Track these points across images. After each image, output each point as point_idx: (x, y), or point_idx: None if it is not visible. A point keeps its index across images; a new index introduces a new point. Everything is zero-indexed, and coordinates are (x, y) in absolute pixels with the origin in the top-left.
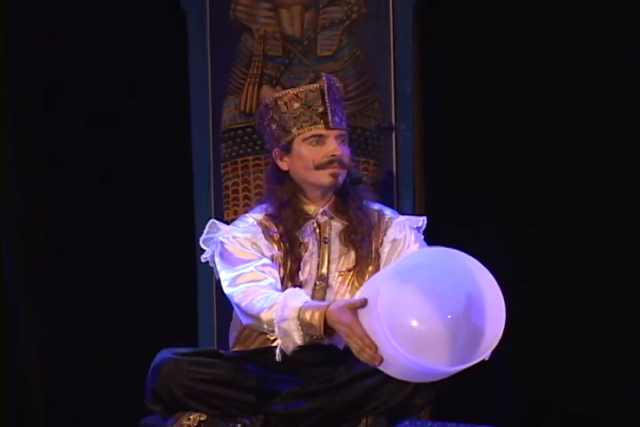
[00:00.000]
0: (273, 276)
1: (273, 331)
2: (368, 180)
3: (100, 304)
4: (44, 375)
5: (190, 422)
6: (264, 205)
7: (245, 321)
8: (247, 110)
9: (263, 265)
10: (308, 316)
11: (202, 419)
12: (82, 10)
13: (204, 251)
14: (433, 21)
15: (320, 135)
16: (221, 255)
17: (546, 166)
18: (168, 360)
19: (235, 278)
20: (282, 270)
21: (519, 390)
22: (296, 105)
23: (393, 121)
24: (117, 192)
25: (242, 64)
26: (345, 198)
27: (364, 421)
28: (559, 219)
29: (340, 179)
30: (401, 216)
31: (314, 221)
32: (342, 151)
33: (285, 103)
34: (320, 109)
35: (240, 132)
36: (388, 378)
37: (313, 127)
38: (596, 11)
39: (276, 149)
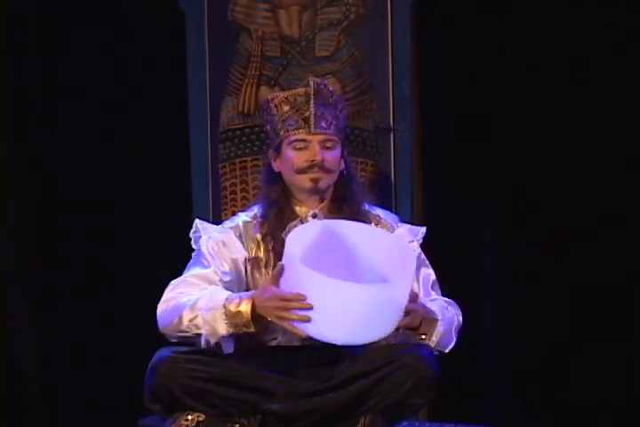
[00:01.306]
0: (213, 283)
1: (193, 328)
2: (366, 180)
3: (98, 304)
4: (44, 375)
5: (189, 423)
6: (257, 205)
7: (163, 323)
8: (245, 111)
9: (208, 273)
10: (233, 305)
11: (200, 419)
12: (80, 10)
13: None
14: (431, 21)
15: (303, 140)
16: (193, 257)
17: (545, 166)
18: (166, 359)
19: (183, 280)
20: (264, 270)
21: (517, 391)
22: (286, 108)
23: (391, 121)
24: (115, 193)
25: (240, 65)
26: (340, 203)
27: (362, 420)
28: (560, 219)
29: (323, 184)
30: (402, 226)
31: (302, 222)
32: (325, 156)
33: (276, 106)
34: (306, 114)
35: (238, 132)
36: (385, 377)
37: (296, 131)
38: (594, 10)
39: (270, 150)
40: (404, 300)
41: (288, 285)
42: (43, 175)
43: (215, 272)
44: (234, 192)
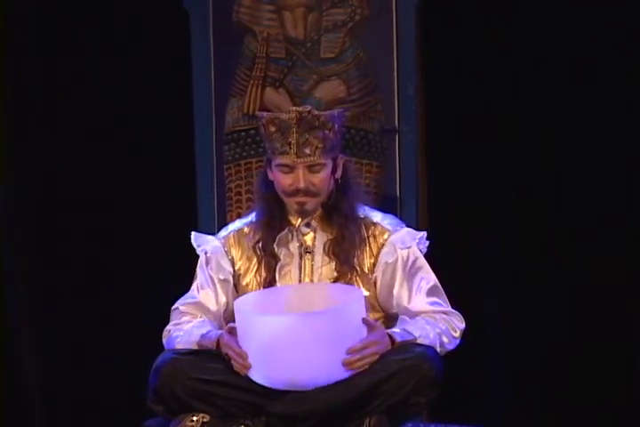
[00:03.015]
0: (205, 310)
1: None
2: (371, 182)
3: (98, 304)
4: (44, 375)
5: (194, 424)
6: (255, 211)
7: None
8: (250, 112)
9: (200, 302)
10: (204, 343)
11: (205, 420)
12: (82, 10)
13: None
14: (436, 22)
15: (288, 165)
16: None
17: (550, 167)
18: (169, 360)
19: (175, 309)
20: (254, 280)
21: (519, 391)
22: (272, 129)
23: (396, 123)
24: (117, 193)
25: (245, 66)
26: (330, 214)
27: (366, 421)
28: (563, 218)
29: (309, 206)
30: (399, 231)
31: (295, 231)
32: (310, 181)
33: (264, 125)
34: (289, 139)
35: (243, 134)
36: (389, 377)
37: (281, 157)
38: (597, 9)
39: (266, 158)
40: (336, 333)
41: (239, 337)
42: (43, 175)
43: (207, 299)
44: (239, 193)
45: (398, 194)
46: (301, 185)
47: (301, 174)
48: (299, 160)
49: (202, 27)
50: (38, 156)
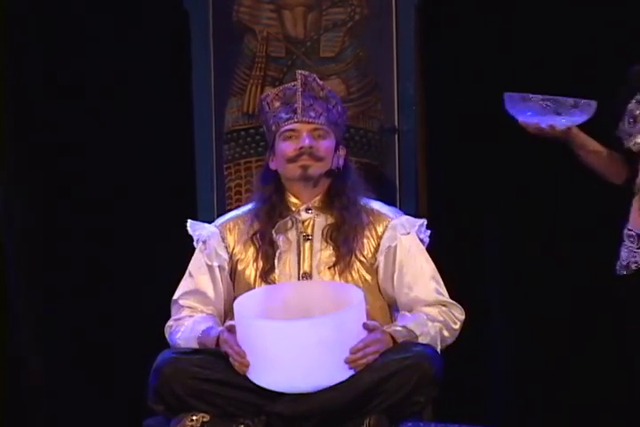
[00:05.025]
0: (205, 299)
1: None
2: (371, 181)
3: (98, 304)
4: (44, 375)
5: (193, 423)
6: (252, 203)
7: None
8: (250, 111)
9: (199, 291)
10: (204, 339)
11: (205, 420)
12: (82, 10)
13: None
14: (436, 22)
15: (293, 130)
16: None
17: (550, 167)
18: (169, 360)
19: (175, 302)
20: (252, 268)
21: (519, 391)
22: (277, 104)
23: (395, 122)
24: (120, 193)
25: (245, 65)
26: (332, 197)
27: (366, 421)
28: (562, 218)
29: (312, 171)
30: (400, 217)
31: (295, 217)
32: (313, 144)
33: (268, 103)
34: (295, 105)
35: (243, 133)
36: (389, 376)
37: (286, 122)
38: (597, 9)
39: (268, 151)
40: (337, 337)
41: (238, 336)
42: (43, 175)
43: (204, 285)
44: (239, 193)
45: (398, 193)
46: (305, 142)
47: (306, 135)
48: (303, 119)
49: (202, 26)
50: (38, 156)
